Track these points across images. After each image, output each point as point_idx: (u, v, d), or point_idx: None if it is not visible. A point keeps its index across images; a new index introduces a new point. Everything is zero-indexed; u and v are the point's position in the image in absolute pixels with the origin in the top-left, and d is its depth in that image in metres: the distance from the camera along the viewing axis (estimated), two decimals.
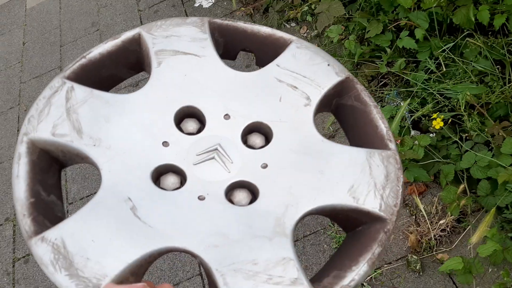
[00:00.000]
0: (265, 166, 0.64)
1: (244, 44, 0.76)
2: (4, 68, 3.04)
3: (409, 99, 1.68)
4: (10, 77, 2.96)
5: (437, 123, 1.43)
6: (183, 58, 0.70)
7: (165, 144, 0.64)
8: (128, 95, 0.68)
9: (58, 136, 0.63)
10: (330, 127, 2.02)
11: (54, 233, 0.56)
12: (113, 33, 2.89)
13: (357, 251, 0.59)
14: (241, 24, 0.75)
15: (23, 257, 2.14)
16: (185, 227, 0.57)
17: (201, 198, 0.61)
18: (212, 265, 0.55)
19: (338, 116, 0.75)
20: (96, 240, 0.56)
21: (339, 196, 0.61)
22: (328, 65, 0.71)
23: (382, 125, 0.67)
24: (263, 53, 0.76)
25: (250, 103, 0.68)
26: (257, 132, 0.68)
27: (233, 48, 0.78)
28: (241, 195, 0.62)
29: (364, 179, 0.62)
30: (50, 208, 0.61)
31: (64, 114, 0.65)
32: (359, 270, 0.56)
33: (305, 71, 0.70)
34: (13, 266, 2.13)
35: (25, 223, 0.57)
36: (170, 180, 0.63)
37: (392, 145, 0.66)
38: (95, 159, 0.62)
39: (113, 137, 0.64)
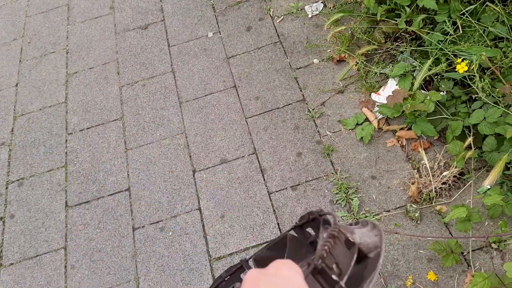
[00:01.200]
0: None
1: None
2: (10, 2, 2.98)
3: (430, 60, 1.72)
4: (15, 10, 2.91)
5: (461, 67, 1.46)
6: None
7: None
8: None
9: None
10: (340, 82, 2.05)
11: None
12: None
13: None
14: None
15: (17, 180, 2.11)
16: None
17: None
18: None
19: None
20: None
21: None
22: None
23: None
24: None
25: None
26: None
27: None
28: None
29: None
30: None
31: None
32: None
33: None
34: (6, 188, 2.10)
35: None
36: None
37: None
38: None
39: None
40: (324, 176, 1.82)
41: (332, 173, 1.82)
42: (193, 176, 1.94)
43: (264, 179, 1.87)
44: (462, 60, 1.47)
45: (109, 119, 2.22)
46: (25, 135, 2.26)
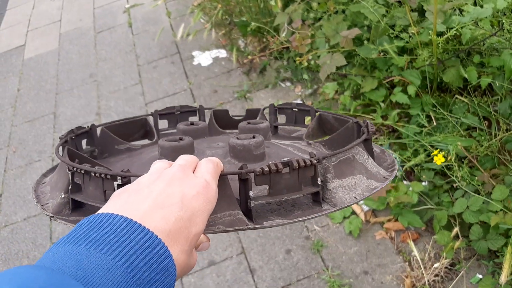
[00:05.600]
0: None
1: None
2: None
3: (409, 152, 1.78)
4: (1, 120, 2.97)
5: (439, 159, 1.50)
6: None
7: None
8: None
9: None
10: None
11: None
12: (111, 84, 2.97)
13: None
14: None
15: None
16: None
17: None
18: None
19: None
20: None
21: None
22: None
23: None
24: None
25: None
26: None
27: None
28: None
29: None
30: None
31: None
32: None
33: None
34: None
35: None
36: None
37: None
38: None
39: None
40: (316, 273, 1.79)
41: (324, 270, 1.79)
42: (181, 281, 1.89)
43: (254, 280, 1.83)
44: (439, 152, 1.52)
45: None
46: (8, 247, 2.21)
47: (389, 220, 1.84)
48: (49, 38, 3.69)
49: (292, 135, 0.95)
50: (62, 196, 0.62)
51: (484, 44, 1.74)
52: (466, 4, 1.78)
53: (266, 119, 0.93)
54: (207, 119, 0.95)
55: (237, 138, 0.67)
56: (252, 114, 0.95)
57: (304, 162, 0.53)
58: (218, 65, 2.83)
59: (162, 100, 2.72)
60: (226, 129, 0.96)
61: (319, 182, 0.55)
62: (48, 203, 0.65)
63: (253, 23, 2.39)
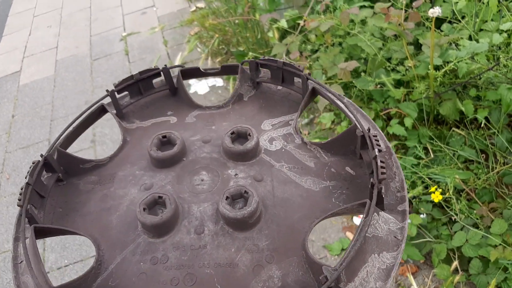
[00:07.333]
0: None
1: None
2: None
3: (407, 184, 1.77)
4: None
5: (436, 197, 1.50)
6: None
7: None
8: None
9: None
10: None
11: None
12: None
13: None
14: None
15: None
16: None
17: None
18: None
19: None
20: None
21: None
22: None
23: None
24: None
25: None
26: None
27: None
28: None
29: None
30: None
31: None
32: None
33: None
34: None
35: None
36: None
37: None
38: None
39: None
40: None
41: None
42: None
43: None
44: (436, 189, 1.52)
45: (88, 255, 2.15)
46: (0, 276, 2.16)
47: None
48: (45, 64, 3.69)
49: (277, 90, 0.85)
50: None
51: (480, 78, 1.77)
52: (462, 38, 1.81)
53: (248, 73, 0.85)
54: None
55: (227, 198, 0.61)
56: (228, 68, 0.86)
57: None
58: (215, 94, 2.84)
59: None
60: (200, 77, 0.87)
61: None
62: None
63: (250, 53, 2.41)
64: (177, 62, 2.91)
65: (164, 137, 0.74)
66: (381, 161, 0.60)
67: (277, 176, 0.68)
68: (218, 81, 2.92)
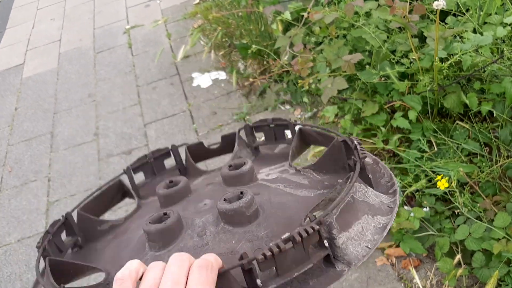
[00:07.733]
0: None
1: None
2: None
3: (410, 177, 1.77)
4: None
5: (442, 184, 1.49)
6: None
7: None
8: None
9: None
10: None
11: None
12: (109, 105, 2.97)
13: None
14: None
15: None
16: None
17: None
18: None
19: None
20: None
21: None
22: None
23: None
24: None
25: None
26: None
27: None
28: None
29: None
30: None
31: None
32: None
33: None
34: None
35: None
36: None
37: None
38: None
39: None
40: None
41: None
42: None
43: None
44: (442, 177, 1.52)
45: None
46: (1, 269, 2.16)
47: (390, 246, 1.82)
48: (48, 57, 3.69)
49: (275, 151, 0.91)
50: None
51: (484, 71, 1.76)
52: (466, 31, 1.80)
53: (244, 141, 0.91)
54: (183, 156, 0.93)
55: (225, 200, 0.63)
56: (228, 140, 0.92)
57: (306, 231, 0.50)
58: (218, 87, 2.83)
59: (161, 121, 2.72)
60: (206, 159, 0.94)
61: (326, 245, 0.52)
62: None
63: (253, 46, 2.40)
64: (180, 55, 2.90)
65: (171, 181, 0.79)
66: (360, 146, 0.65)
67: (274, 191, 0.71)
68: (221, 74, 2.92)
